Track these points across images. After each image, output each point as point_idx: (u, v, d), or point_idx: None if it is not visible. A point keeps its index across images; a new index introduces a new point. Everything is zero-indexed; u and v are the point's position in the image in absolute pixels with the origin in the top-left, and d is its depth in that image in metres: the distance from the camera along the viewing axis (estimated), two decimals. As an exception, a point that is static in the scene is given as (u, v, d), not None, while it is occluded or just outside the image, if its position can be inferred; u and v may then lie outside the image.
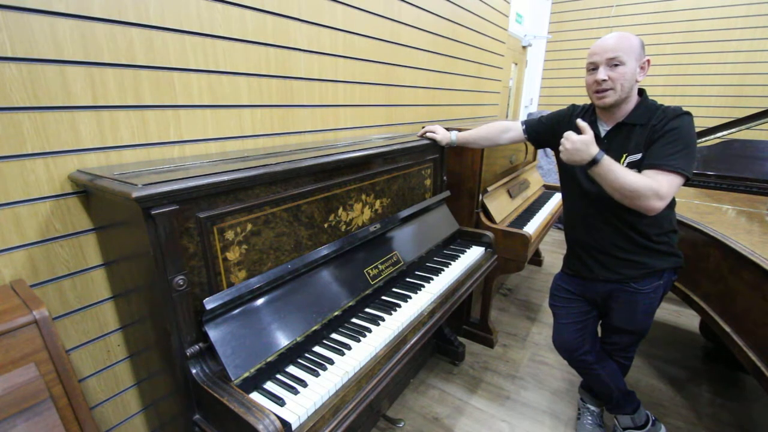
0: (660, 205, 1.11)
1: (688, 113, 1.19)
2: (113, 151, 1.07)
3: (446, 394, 1.96)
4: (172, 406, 1.03)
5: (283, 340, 1.03)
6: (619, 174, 1.11)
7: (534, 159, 3.16)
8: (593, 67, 1.23)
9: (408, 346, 1.21)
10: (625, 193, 1.12)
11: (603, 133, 1.31)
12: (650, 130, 1.20)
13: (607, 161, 1.12)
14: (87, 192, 1.02)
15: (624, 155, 1.24)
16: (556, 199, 2.87)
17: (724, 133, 2.76)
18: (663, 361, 2.19)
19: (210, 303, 0.92)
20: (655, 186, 1.10)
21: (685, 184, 1.21)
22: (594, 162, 1.12)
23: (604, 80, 1.19)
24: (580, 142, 1.13)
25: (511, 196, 2.44)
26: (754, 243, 1.50)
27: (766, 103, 4.01)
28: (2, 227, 0.90)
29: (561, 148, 1.19)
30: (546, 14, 5.22)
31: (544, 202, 2.74)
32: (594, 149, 1.12)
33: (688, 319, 2.61)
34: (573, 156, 1.15)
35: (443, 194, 1.90)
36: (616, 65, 1.18)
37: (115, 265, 1.06)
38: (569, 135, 1.17)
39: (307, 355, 1.10)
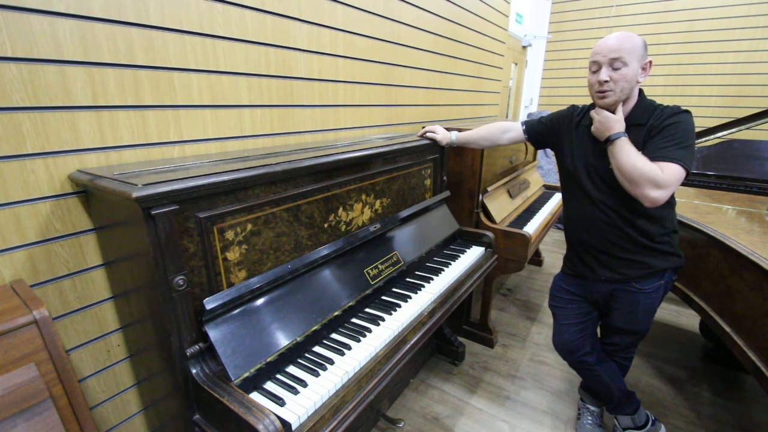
0: (656, 194, 1.11)
1: (687, 111, 1.20)
2: (113, 151, 1.07)
3: (446, 394, 1.96)
4: (172, 406, 1.03)
5: (283, 340, 1.03)
6: (630, 156, 1.15)
7: (534, 159, 3.16)
8: (596, 68, 1.23)
9: (408, 346, 1.21)
10: (626, 176, 1.15)
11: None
12: (648, 129, 1.21)
13: (622, 142, 1.18)
14: (87, 192, 1.02)
15: None
16: (556, 199, 2.87)
17: (724, 133, 2.76)
18: (663, 361, 2.19)
19: (210, 303, 0.92)
20: (652, 175, 1.10)
21: (685, 184, 1.21)
22: (609, 140, 1.20)
23: (606, 81, 1.20)
24: (606, 119, 1.22)
25: (511, 196, 2.44)
26: (754, 243, 1.50)
27: (766, 103, 4.01)
28: (2, 227, 0.90)
29: (593, 120, 1.28)
30: (546, 14, 5.22)
31: (544, 202, 2.74)
32: (616, 128, 1.20)
33: (688, 319, 2.61)
34: (598, 128, 1.25)
35: (443, 194, 1.90)
36: (618, 67, 1.18)
37: (115, 265, 1.06)
38: (599, 110, 1.26)
39: (307, 355, 1.10)
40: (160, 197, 0.79)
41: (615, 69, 1.19)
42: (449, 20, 2.49)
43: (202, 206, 0.90)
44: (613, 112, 1.23)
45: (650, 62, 1.21)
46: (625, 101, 1.24)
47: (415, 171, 1.68)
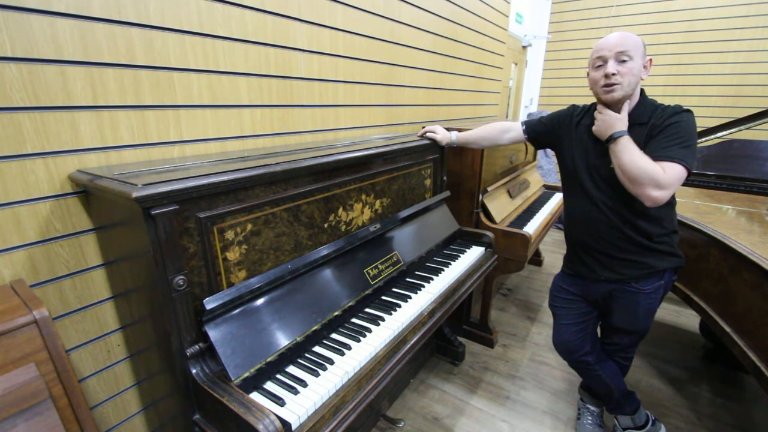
0: (657, 194, 1.11)
1: (688, 110, 1.19)
2: (113, 151, 1.07)
3: (446, 394, 1.96)
4: (172, 406, 1.03)
5: (283, 340, 1.03)
6: (633, 155, 1.14)
7: (534, 159, 3.16)
8: (601, 63, 1.23)
9: (408, 346, 1.21)
10: (628, 175, 1.15)
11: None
12: (650, 128, 1.21)
13: (625, 140, 1.17)
14: (87, 192, 1.02)
15: None
16: (556, 199, 2.87)
17: (724, 133, 2.75)
18: (663, 361, 2.19)
19: (210, 303, 0.92)
20: (654, 174, 1.10)
21: (685, 184, 1.21)
22: (612, 138, 1.19)
23: (614, 74, 1.19)
24: (609, 116, 1.22)
25: (511, 196, 2.44)
26: (754, 243, 1.50)
27: (766, 103, 4.00)
28: (2, 227, 0.90)
29: (595, 120, 1.28)
30: (546, 14, 5.21)
31: (544, 202, 2.74)
32: (618, 126, 1.20)
33: (688, 319, 2.61)
34: (600, 127, 1.24)
35: (443, 194, 1.90)
36: (625, 60, 1.18)
37: (115, 265, 1.06)
38: (603, 109, 1.25)
39: (307, 355, 1.10)
40: (160, 197, 0.79)
41: (622, 63, 1.19)
42: (449, 20, 2.49)
43: (202, 206, 0.90)
44: (618, 111, 1.23)
45: (650, 60, 1.22)
46: (628, 98, 1.24)
47: (415, 171, 1.68)
